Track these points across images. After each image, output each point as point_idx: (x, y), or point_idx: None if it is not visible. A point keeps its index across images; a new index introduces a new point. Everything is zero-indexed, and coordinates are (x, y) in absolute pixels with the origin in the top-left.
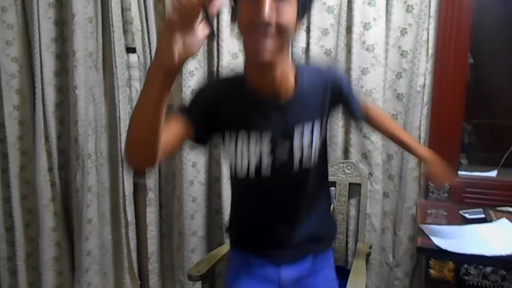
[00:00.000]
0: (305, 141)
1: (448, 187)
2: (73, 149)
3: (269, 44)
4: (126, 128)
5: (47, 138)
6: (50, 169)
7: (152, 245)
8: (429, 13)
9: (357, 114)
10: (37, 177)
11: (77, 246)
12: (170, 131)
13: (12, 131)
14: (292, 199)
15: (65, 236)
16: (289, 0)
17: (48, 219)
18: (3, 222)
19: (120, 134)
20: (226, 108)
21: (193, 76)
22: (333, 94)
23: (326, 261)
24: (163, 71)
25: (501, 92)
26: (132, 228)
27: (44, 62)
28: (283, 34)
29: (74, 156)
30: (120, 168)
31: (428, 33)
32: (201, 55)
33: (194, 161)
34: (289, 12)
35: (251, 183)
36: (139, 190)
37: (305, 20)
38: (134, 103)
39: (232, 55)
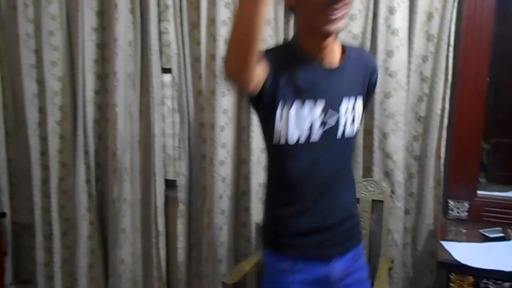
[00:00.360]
0: (349, 110)
1: (468, 206)
2: (110, 163)
3: (339, 17)
4: (160, 143)
5: (86, 152)
6: (88, 181)
7: (182, 255)
8: (449, 42)
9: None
10: (76, 188)
11: (111, 254)
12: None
13: (53, 144)
14: (335, 169)
15: (99, 245)
16: None
17: (84, 228)
18: (42, 230)
19: (154, 149)
20: (283, 74)
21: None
22: (370, 79)
23: (362, 258)
24: None
25: None
26: (162, 239)
27: (86, 82)
28: (347, 7)
29: (111, 169)
30: (153, 181)
31: (447, 61)
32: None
33: (224, 176)
34: None
35: (299, 150)
36: (170, 202)
37: None
38: (167, 120)
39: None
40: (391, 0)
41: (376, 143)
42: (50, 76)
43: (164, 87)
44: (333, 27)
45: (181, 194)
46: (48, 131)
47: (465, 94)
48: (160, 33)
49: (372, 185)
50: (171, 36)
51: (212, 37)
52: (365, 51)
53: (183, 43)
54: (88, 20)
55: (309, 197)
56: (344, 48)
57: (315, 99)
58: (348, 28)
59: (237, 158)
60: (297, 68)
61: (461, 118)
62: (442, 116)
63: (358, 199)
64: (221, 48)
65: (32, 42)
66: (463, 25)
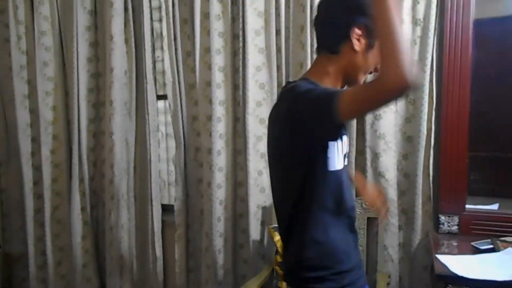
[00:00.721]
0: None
1: (458, 220)
2: (107, 190)
3: None
4: (156, 169)
5: (81, 180)
6: (83, 209)
7: (181, 279)
8: (432, 66)
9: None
10: (71, 217)
11: (108, 282)
12: None
13: (47, 173)
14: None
15: (96, 273)
16: None
17: (79, 256)
18: (35, 260)
19: (150, 176)
20: None
21: (220, 88)
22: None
23: None
24: None
25: (501, 125)
26: (160, 263)
27: (81, 110)
28: None
29: (108, 196)
30: (149, 207)
31: (431, 84)
32: (227, 68)
33: (221, 199)
34: None
35: (338, 175)
36: (166, 226)
37: None
38: (162, 145)
39: (256, 68)
40: None
41: (368, 163)
42: (44, 105)
43: (158, 113)
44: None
45: (179, 218)
46: (42, 160)
47: (450, 114)
48: (154, 61)
49: (367, 203)
50: (166, 64)
51: (207, 65)
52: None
53: (178, 71)
54: (82, 50)
55: (351, 223)
56: None
57: (345, 133)
58: None
59: (233, 181)
60: None
61: (447, 137)
62: (429, 135)
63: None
64: (216, 76)
65: (25, 73)
66: (444, 51)
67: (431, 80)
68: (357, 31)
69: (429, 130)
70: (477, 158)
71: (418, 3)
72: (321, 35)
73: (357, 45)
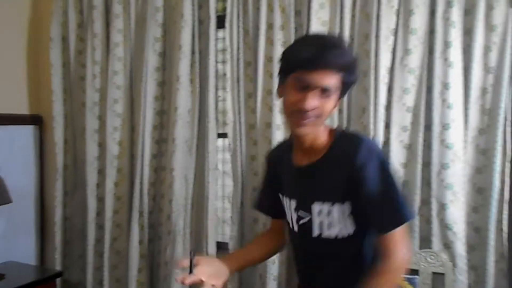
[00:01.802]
0: (323, 213)
1: None
2: (165, 225)
3: (307, 124)
4: (213, 206)
5: (141, 213)
6: (141, 242)
7: None
8: (505, 116)
9: (376, 224)
10: (129, 249)
11: None
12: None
13: (109, 205)
14: (318, 264)
15: None
16: (331, 96)
17: None
18: None
19: (207, 212)
20: (278, 169)
21: (279, 129)
22: (352, 182)
23: None
24: None
25: None
26: None
27: (145, 146)
28: (320, 117)
29: (165, 231)
30: (204, 244)
31: (505, 134)
32: None
33: None
34: (330, 103)
35: (291, 235)
36: None
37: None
38: (219, 182)
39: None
40: (445, 77)
41: (434, 213)
42: (111, 140)
43: (217, 151)
44: (298, 130)
45: None
46: (105, 192)
47: None
48: (217, 101)
49: (431, 256)
50: (228, 105)
51: (267, 107)
52: (353, 145)
53: (239, 111)
54: (150, 89)
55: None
56: (332, 144)
57: (289, 197)
58: (402, 101)
59: None
60: (284, 164)
61: None
62: (502, 188)
63: (417, 270)
64: (277, 117)
65: (97, 109)
66: None
67: (504, 131)
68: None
69: (502, 182)
70: None
71: (491, 50)
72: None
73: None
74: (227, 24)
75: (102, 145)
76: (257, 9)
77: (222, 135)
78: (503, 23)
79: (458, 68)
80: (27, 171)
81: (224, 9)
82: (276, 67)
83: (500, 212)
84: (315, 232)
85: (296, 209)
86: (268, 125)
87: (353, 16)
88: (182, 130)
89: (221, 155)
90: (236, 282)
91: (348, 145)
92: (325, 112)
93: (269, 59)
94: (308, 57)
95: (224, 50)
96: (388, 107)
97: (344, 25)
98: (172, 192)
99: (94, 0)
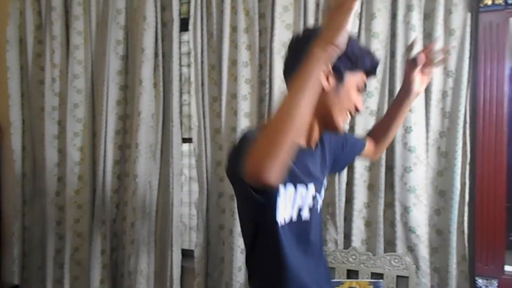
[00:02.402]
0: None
1: (497, 284)
2: (128, 233)
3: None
4: (178, 213)
5: (103, 222)
6: (103, 251)
7: None
8: (465, 119)
9: (358, 142)
10: (91, 259)
11: None
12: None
13: (70, 214)
14: (319, 242)
15: None
16: None
17: None
18: None
19: (171, 219)
20: None
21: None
22: (332, 148)
23: None
24: (328, 52)
25: None
26: None
27: (107, 152)
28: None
29: (128, 239)
30: (169, 252)
31: (465, 137)
32: (253, 114)
33: (242, 248)
34: None
35: (293, 227)
36: (186, 273)
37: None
38: (185, 189)
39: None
40: None
41: (397, 217)
42: (72, 146)
43: (183, 156)
44: (342, 126)
45: (199, 266)
46: (66, 200)
47: (486, 169)
48: (181, 105)
49: (396, 260)
50: (192, 109)
51: (232, 111)
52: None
53: (204, 115)
54: (112, 94)
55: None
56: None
57: (305, 183)
58: (365, 104)
59: None
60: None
61: (483, 193)
62: (463, 190)
63: (382, 274)
64: (242, 121)
65: (56, 114)
66: (479, 103)
67: (464, 133)
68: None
69: (463, 185)
70: None
71: (450, 54)
72: (289, 77)
73: (326, 85)
74: (190, 27)
75: (62, 152)
76: (221, 12)
77: (187, 140)
78: (461, 27)
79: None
80: None
81: (188, 11)
82: (241, 70)
83: (461, 214)
84: (318, 210)
85: (314, 193)
86: (234, 129)
87: (316, 19)
88: (146, 135)
89: (187, 160)
90: None
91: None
92: None
93: (233, 62)
94: (375, 63)
95: (188, 53)
96: None
97: None
98: (136, 199)
99: (53, 1)
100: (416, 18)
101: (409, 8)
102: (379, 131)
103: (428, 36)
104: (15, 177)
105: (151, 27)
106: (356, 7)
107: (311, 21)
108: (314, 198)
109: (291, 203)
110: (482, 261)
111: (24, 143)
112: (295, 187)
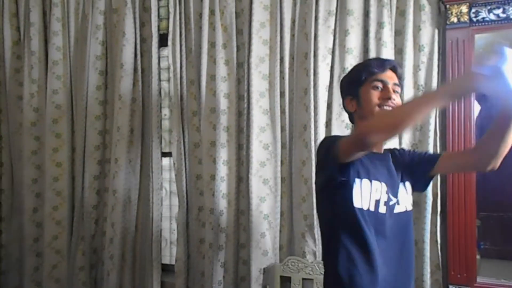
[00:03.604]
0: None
1: None
2: (107, 249)
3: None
4: (157, 228)
5: (82, 238)
6: (82, 268)
7: None
8: (435, 131)
9: (431, 154)
10: (70, 276)
11: None
12: None
13: (49, 230)
14: (399, 245)
15: None
16: (399, 94)
17: None
18: None
19: (152, 235)
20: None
21: (224, 147)
22: (399, 159)
23: None
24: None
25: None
26: None
27: (86, 167)
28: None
29: (108, 255)
30: (149, 267)
31: (436, 148)
32: (232, 127)
33: (222, 261)
34: (399, 100)
35: (371, 215)
36: None
37: None
38: (165, 203)
39: (260, 128)
40: None
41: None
42: (51, 162)
43: (163, 170)
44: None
45: (179, 280)
46: (44, 216)
47: (456, 180)
48: (160, 120)
49: None
50: (172, 123)
51: (212, 125)
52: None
53: (183, 129)
54: (91, 108)
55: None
56: None
57: (379, 180)
58: (341, 117)
59: (236, 242)
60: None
61: (454, 203)
62: (435, 201)
63: None
64: (221, 135)
65: (35, 130)
66: (447, 117)
67: (434, 145)
68: (348, 100)
69: (435, 195)
70: (489, 219)
71: (420, 69)
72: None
73: (351, 107)
74: (170, 42)
75: (40, 168)
76: (199, 28)
77: (167, 154)
78: (430, 43)
79: None
80: None
81: (167, 27)
82: (219, 84)
83: (434, 224)
84: (400, 209)
85: (387, 192)
86: (213, 143)
87: (292, 35)
88: (125, 150)
89: (167, 174)
90: None
91: None
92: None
93: (212, 77)
94: (378, 63)
95: (167, 68)
96: (328, 124)
97: (284, 44)
98: (115, 215)
99: (31, 17)
100: (388, 35)
101: (380, 25)
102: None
103: (399, 51)
104: None
105: (130, 43)
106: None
107: (287, 37)
108: (388, 197)
109: (368, 194)
110: (455, 270)
111: (2, 159)
112: (370, 181)
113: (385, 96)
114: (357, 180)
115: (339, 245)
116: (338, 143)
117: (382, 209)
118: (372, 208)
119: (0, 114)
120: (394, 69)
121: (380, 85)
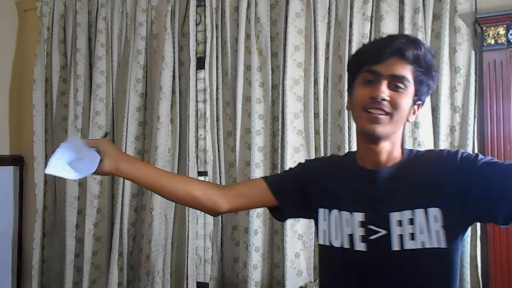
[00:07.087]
0: (406, 232)
1: None
2: (144, 265)
3: (382, 120)
4: (193, 246)
5: (120, 254)
6: (120, 284)
7: None
8: (472, 150)
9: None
10: None
11: None
12: (247, 187)
13: (89, 246)
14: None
15: None
16: (404, 90)
17: None
18: None
19: (187, 252)
20: (324, 183)
21: (259, 167)
22: (451, 185)
23: None
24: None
25: None
26: None
27: (126, 185)
28: (395, 113)
29: (144, 271)
30: (185, 285)
31: None
32: (266, 148)
33: (257, 281)
34: (404, 98)
35: (344, 258)
36: None
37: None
38: (201, 221)
39: (295, 149)
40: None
41: None
42: (92, 180)
43: None
44: (371, 127)
45: None
46: (85, 232)
47: None
48: (197, 140)
49: None
50: (208, 143)
51: (246, 145)
52: (436, 151)
53: (218, 149)
54: (131, 129)
55: None
56: (402, 156)
57: (350, 210)
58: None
59: (270, 262)
60: (343, 173)
61: (495, 227)
62: (474, 225)
63: None
64: (256, 155)
65: None
66: (486, 139)
67: None
68: (348, 99)
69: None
70: None
71: (456, 91)
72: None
73: (348, 107)
74: (206, 65)
75: (82, 185)
76: (235, 52)
77: (203, 173)
78: (466, 64)
79: (427, 108)
80: (6, 212)
81: (204, 51)
82: (254, 106)
83: (474, 248)
84: (395, 246)
85: (365, 223)
86: (247, 163)
87: (326, 58)
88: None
89: None
90: None
91: (428, 153)
92: (400, 108)
93: (247, 98)
94: (376, 47)
95: (204, 90)
96: None
97: (318, 67)
98: (152, 232)
99: (78, 43)
100: None
101: None
102: None
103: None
104: (36, 210)
105: (169, 66)
106: None
107: (321, 60)
108: (368, 229)
109: (339, 228)
110: None
111: (46, 177)
112: (340, 212)
113: (372, 95)
114: (320, 212)
115: None
116: None
117: (360, 245)
118: (346, 245)
119: (46, 134)
120: (401, 54)
121: (371, 78)
